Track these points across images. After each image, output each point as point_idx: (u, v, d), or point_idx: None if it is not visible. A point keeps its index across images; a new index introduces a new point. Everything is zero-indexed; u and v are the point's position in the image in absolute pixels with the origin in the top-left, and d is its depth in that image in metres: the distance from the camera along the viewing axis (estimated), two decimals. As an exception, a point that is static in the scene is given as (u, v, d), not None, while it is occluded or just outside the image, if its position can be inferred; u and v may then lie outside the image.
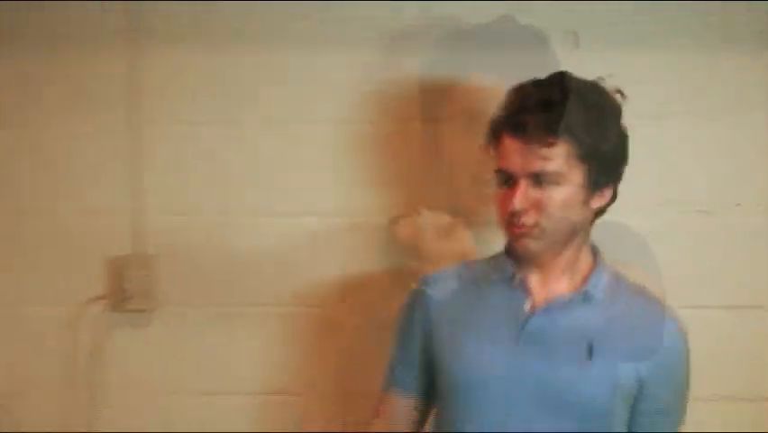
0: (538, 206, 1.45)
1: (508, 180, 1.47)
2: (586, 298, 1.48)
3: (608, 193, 1.51)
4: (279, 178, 2.07)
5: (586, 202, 1.48)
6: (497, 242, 1.62)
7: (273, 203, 2.07)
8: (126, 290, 2.09)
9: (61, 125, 2.11)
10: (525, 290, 1.51)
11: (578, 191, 1.46)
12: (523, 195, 1.44)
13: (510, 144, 1.46)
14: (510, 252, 1.55)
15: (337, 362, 2.07)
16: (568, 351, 1.45)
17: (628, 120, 1.58)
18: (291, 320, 2.08)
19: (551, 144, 1.43)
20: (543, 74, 1.55)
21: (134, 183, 2.09)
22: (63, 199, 2.13)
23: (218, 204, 2.09)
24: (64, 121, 2.10)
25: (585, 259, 1.53)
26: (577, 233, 1.50)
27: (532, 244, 1.47)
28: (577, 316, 1.47)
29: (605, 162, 1.47)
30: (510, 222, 1.47)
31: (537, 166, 1.43)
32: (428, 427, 1.66)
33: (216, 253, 2.09)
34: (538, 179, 1.44)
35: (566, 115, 1.43)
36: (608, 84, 1.54)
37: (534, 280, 1.52)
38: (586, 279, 1.51)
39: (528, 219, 1.45)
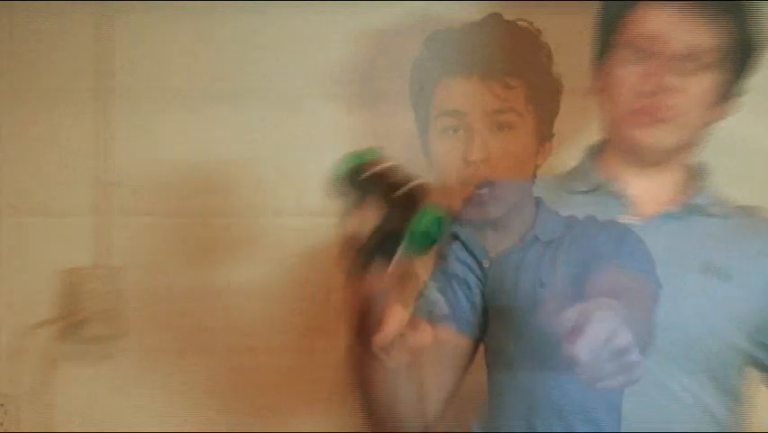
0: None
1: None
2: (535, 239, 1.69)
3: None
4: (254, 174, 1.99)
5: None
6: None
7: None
8: (83, 311, 1.95)
9: (20, 116, 2.03)
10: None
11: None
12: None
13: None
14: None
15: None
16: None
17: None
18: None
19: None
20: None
21: (97, 177, 2.01)
22: (10, 197, 2.04)
23: (194, 202, 2.01)
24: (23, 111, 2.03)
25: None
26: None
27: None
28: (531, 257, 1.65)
29: None
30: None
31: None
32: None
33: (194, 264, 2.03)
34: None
35: None
36: None
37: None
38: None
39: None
